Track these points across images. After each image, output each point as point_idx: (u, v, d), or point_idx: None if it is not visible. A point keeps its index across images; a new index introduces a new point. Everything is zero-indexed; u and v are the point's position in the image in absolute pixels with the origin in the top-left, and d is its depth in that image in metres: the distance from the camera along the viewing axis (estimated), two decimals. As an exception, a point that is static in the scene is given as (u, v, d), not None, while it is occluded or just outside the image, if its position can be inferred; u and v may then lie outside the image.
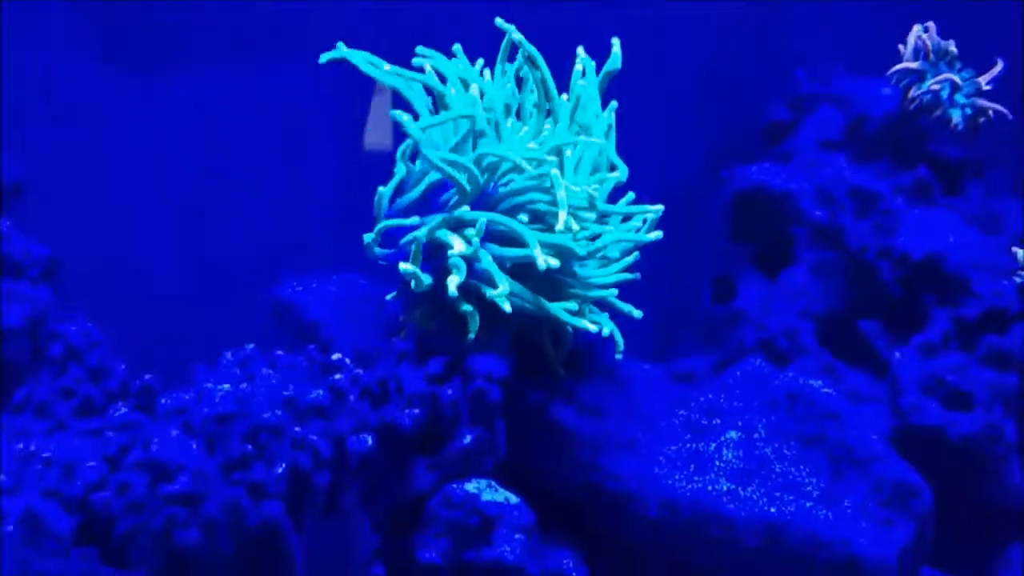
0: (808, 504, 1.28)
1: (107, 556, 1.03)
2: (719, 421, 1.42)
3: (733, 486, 1.30)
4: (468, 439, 1.21)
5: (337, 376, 1.17)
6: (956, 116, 1.70)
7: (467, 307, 1.21)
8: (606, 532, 1.32)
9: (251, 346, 1.26)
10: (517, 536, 1.18)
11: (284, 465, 1.08)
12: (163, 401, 1.17)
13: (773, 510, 1.27)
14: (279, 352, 1.24)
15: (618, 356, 1.33)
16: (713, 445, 1.37)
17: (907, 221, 1.58)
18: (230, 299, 1.66)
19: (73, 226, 1.61)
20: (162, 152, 1.82)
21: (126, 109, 1.82)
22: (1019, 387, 1.43)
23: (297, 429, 1.11)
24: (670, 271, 2.06)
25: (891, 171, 1.72)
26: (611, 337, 1.37)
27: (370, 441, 1.12)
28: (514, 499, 1.20)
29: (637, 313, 1.33)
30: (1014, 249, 1.50)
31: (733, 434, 1.38)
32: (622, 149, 2.04)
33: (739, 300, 1.78)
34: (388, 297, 1.35)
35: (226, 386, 1.18)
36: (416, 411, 1.16)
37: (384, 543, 1.22)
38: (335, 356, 1.19)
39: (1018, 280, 1.47)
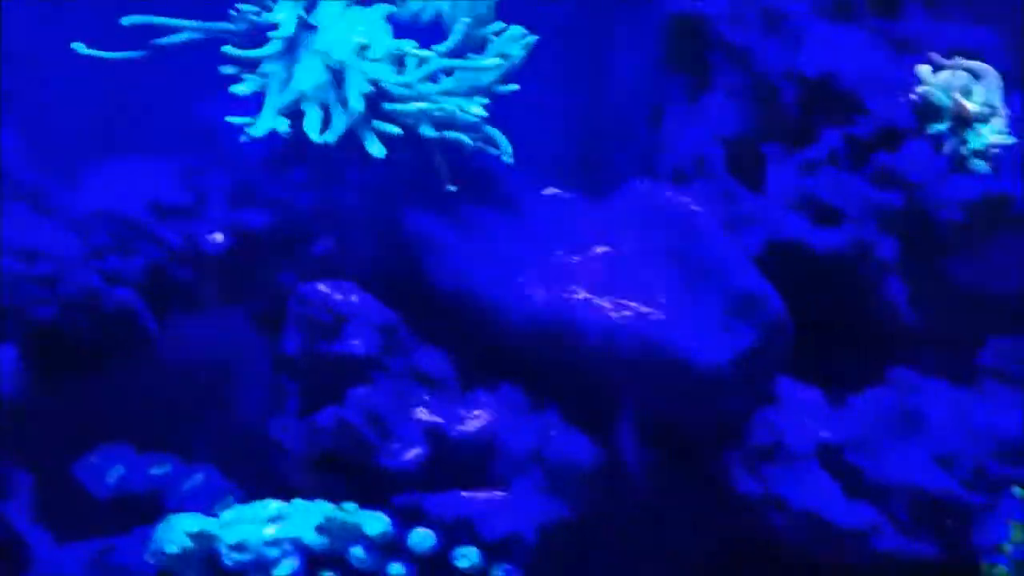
0: (649, 311, 1.34)
1: (-12, 330, 1.17)
2: (594, 237, 1.47)
3: (588, 296, 1.36)
4: (326, 244, 1.29)
5: (200, 178, 1.26)
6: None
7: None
8: (474, 337, 1.40)
9: (135, 155, 1.35)
10: (371, 333, 1.27)
11: (141, 257, 1.19)
12: (57, 201, 1.29)
13: (614, 315, 1.33)
14: (158, 161, 1.34)
15: (506, 159, 1.37)
16: (580, 258, 1.42)
17: (813, 40, 1.53)
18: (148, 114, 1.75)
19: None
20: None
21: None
22: (903, 205, 1.43)
23: (156, 227, 1.21)
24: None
25: (823, -10, 1.66)
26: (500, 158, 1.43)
27: (221, 239, 1.21)
28: (369, 299, 1.29)
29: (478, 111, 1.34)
30: (918, 67, 1.46)
31: (602, 248, 1.43)
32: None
33: (662, 128, 1.79)
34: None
35: (105, 187, 1.28)
36: (262, 213, 1.24)
37: (260, 339, 1.34)
38: (200, 162, 1.28)
39: (913, 97, 1.44)
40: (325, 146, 1.29)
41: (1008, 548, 1.23)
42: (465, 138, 1.36)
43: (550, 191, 1.58)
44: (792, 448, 1.36)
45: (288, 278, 1.30)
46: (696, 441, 1.41)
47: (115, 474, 1.59)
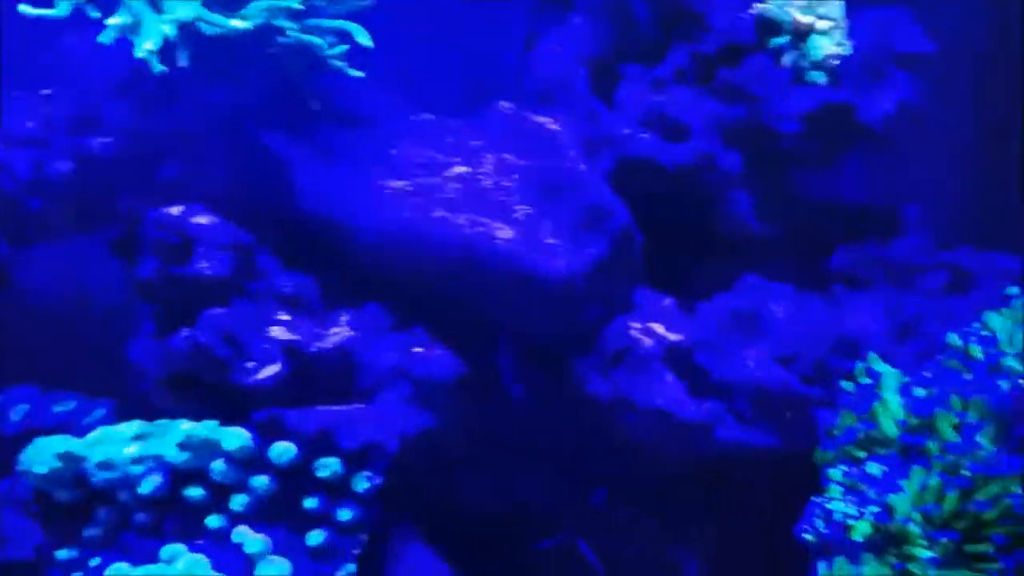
0: (503, 227, 1.38)
1: None
2: (457, 158, 1.50)
3: (446, 214, 1.40)
4: (178, 168, 1.31)
5: (49, 107, 1.26)
6: None
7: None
8: (336, 257, 1.44)
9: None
10: (223, 254, 1.30)
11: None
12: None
13: (470, 232, 1.38)
14: (9, 92, 1.33)
15: (364, 42, 1.38)
16: (439, 179, 1.46)
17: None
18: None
19: None
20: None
21: None
22: (747, 119, 1.48)
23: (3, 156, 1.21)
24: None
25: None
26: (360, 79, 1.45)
27: (67, 166, 1.22)
28: (221, 221, 1.31)
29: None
30: (757, -19, 1.50)
31: (462, 168, 1.47)
32: None
33: (532, 50, 1.82)
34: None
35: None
36: (110, 139, 1.25)
37: (117, 264, 1.36)
38: (46, 92, 1.27)
39: (754, 12, 1.49)
40: (174, 69, 1.30)
41: (836, 433, 1.31)
42: (317, 40, 1.36)
43: (420, 117, 1.61)
44: (642, 352, 1.43)
45: (141, 203, 1.32)
46: (557, 349, 1.47)
47: (19, 412, 1.62)
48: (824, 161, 1.61)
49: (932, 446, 1.14)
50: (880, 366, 1.31)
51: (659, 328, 1.44)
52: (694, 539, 1.59)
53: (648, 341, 1.43)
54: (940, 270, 1.64)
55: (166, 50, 1.25)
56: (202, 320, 1.28)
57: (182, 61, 1.21)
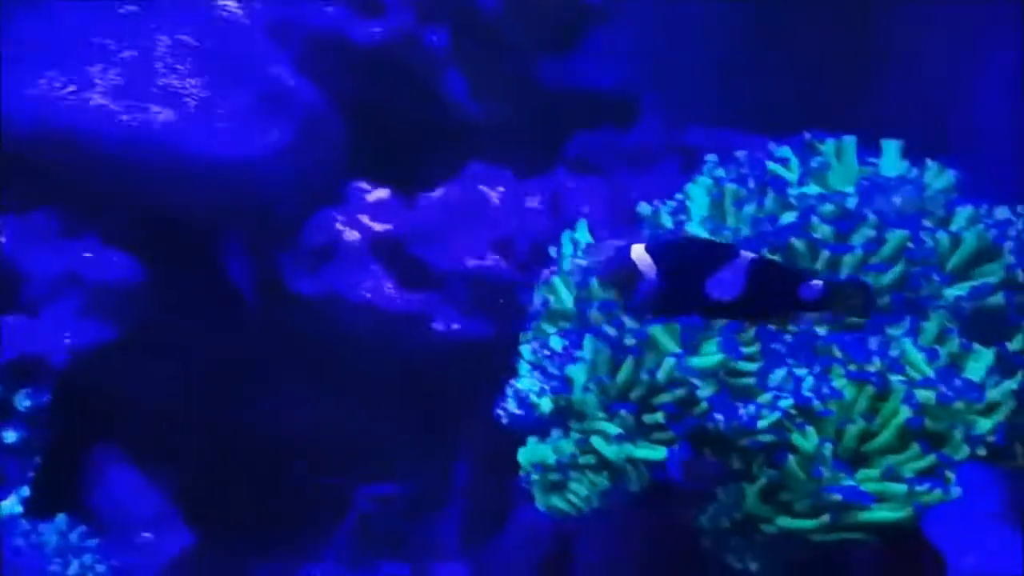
0: (168, 111, 1.27)
1: None
2: (127, 43, 1.36)
3: (105, 102, 1.27)
4: None
5: None
6: None
7: None
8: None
9: None
10: None
11: None
12: None
13: (127, 119, 1.25)
14: None
15: None
16: (105, 65, 1.31)
17: None
18: None
19: None
20: None
21: None
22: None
23: None
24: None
25: None
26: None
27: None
28: None
29: None
30: None
31: (130, 53, 1.33)
32: None
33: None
34: None
35: None
36: None
37: None
38: None
39: None
40: None
41: (532, 312, 1.27)
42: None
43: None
44: (348, 245, 1.35)
45: None
46: (262, 245, 1.37)
47: None
48: (551, 43, 1.55)
49: (595, 315, 1.10)
50: (570, 242, 1.26)
51: (366, 219, 1.36)
52: (445, 437, 1.55)
53: (355, 234, 1.35)
54: (674, 152, 1.62)
55: None
56: None
57: None
